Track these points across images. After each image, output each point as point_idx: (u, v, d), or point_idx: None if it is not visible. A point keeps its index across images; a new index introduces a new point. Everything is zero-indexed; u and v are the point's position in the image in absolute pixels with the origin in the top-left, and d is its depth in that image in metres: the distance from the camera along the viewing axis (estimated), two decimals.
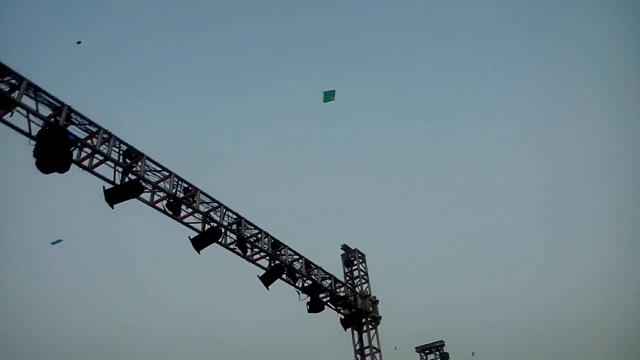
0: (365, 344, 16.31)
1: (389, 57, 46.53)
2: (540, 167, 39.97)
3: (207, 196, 12.68)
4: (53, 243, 14.67)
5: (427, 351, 23.53)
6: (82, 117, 10.59)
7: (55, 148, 9.63)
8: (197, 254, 12.02)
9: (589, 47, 39.46)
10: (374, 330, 16.67)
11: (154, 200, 11.68)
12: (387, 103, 47.50)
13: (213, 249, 12.45)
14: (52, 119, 10.10)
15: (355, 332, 16.55)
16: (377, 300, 17.31)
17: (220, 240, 12.65)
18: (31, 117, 9.82)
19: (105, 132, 10.86)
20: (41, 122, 9.90)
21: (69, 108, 10.34)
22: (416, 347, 23.66)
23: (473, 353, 23.19)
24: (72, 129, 10.35)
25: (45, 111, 10.13)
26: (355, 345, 16.36)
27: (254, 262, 13.64)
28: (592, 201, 36.28)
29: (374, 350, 16.21)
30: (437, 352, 23.38)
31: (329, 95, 14.61)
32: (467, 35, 45.42)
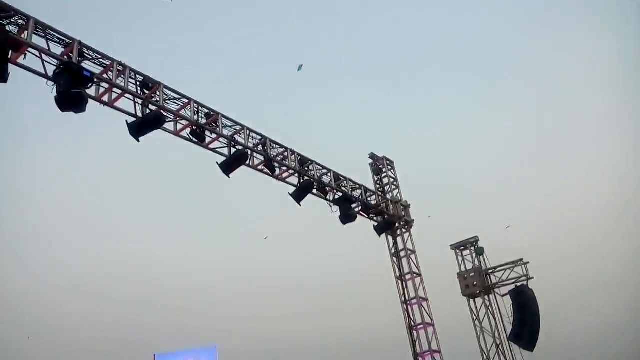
0: (400, 247, 16.85)
1: None
2: None
3: (229, 119, 12.63)
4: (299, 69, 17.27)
5: (462, 248, 24.15)
6: (94, 51, 10.43)
7: (74, 87, 9.58)
8: (228, 178, 12.27)
9: None
10: (407, 234, 17.11)
11: (178, 129, 11.75)
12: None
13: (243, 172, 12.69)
14: (65, 57, 9.99)
15: (390, 237, 17.04)
16: (409, 205, 17.59)
17: (247, 162, 12.80)
18: (44, 57, 9.73)
19: (120, 64, 10.70)
20: (54, 61, 9.79)
21: (80, 43, 10.17)
22: (451, 245, 24.27)
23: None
24: (86, 64, 10.23)
25: (57, 50, 10.00)
26: (390, 250, 16.93)
27: (283, 180, 13.86)
28: None
29: (409, 252, 16.74)
30: (472, 248, 23.94)
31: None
32: None
